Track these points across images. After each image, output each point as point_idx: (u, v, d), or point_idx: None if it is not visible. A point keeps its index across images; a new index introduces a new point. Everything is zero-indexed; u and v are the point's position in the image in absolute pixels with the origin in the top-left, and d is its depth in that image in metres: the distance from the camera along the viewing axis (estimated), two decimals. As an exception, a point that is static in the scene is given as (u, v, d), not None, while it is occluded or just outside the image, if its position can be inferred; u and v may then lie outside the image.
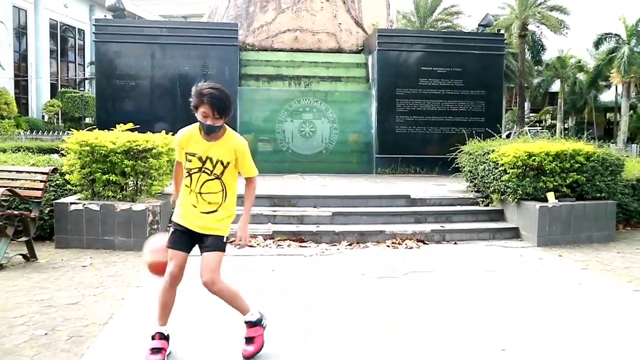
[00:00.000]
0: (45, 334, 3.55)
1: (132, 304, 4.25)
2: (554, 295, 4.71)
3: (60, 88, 35.83)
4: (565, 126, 41.35)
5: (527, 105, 40.48)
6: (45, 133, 23.87)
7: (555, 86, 40.76)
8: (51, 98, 33.93)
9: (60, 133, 23.64)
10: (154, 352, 3.14)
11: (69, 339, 3.47)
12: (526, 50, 34.60)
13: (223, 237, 3.27)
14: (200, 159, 3.16)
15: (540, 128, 35.70)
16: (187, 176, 3.21)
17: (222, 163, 3.17)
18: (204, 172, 3.17)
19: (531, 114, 43.84)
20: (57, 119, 32.61)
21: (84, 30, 38.79)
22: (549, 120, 45.24)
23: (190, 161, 3.18)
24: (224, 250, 3.27)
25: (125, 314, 4.01)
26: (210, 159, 3.17)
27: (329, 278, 5.12)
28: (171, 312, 3.28)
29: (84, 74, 39.17)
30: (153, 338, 3.20)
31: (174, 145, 3.37)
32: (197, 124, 3.18)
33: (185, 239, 3.22)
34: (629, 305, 4.45)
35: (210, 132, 3.11)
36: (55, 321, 3.78)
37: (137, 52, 11.54)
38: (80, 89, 37.52)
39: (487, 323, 3.92)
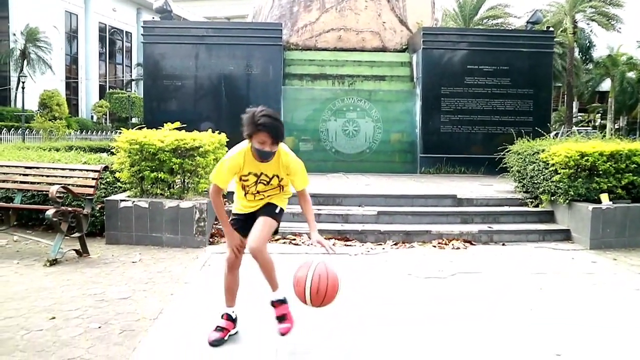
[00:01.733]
0: (99, 327, 3.62)
1: (181, 299, 4.31)
2: (609, 299, 4.53)
3: (109, 89, 37.02)
4: (616, 126, 39.86)
5: (574, 104, 39.22)
6: (94, 133, 24.63)
7: (605, 85, 39.33)
8: (100, 99, 35.08)
9: (108, 133, 24.30)
10: (217, 329, 3.38)
11: (122, 332, 3.55)
12: (575, 47, 33.41)
13: (277, 206, 3.37)
14: (255, 174, 3.27)
15: (591, 128, 34.58)
16: (241, 189, 3.35)
17: (277, 177, 3.29)
18: (260, 182, 3.30)
19: (579, 114, 42.48)
20: (105, 119, 33.66)
21: (131, 33, 39.97)
22: (599, 120, 43.70)
23: (246, 180, 3.29)
24: (276, 220, 3.36)
25: (175, 309, 4.07)
26: (266, 174, 3.27)
27: (375, 277, 5.08)
28: (236, 295, 3.51)
29: (131, 75, 40.29)
30: (221, 317, 3.42)
31: (223, 168, 3.27)
32: (244, 147, 3.23)
33: (241, 225, 3.38)
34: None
35: (267, 159, 3.17)
36: (108, 315, 3.86)
37: (183, 52, 11.74)
38: (128, 90, 38.61)
39: (539, 326, 3.79)
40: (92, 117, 34.17)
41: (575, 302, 4.46)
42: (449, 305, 4.29)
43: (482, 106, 12.14)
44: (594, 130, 29.18)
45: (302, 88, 12.29)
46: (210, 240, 6.38)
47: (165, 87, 11.69)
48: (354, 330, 3.68)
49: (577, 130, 26.09)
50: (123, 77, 40.25)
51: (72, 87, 34.66)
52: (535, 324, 3.86)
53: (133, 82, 39.12)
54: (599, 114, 43.18)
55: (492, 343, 3.51)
